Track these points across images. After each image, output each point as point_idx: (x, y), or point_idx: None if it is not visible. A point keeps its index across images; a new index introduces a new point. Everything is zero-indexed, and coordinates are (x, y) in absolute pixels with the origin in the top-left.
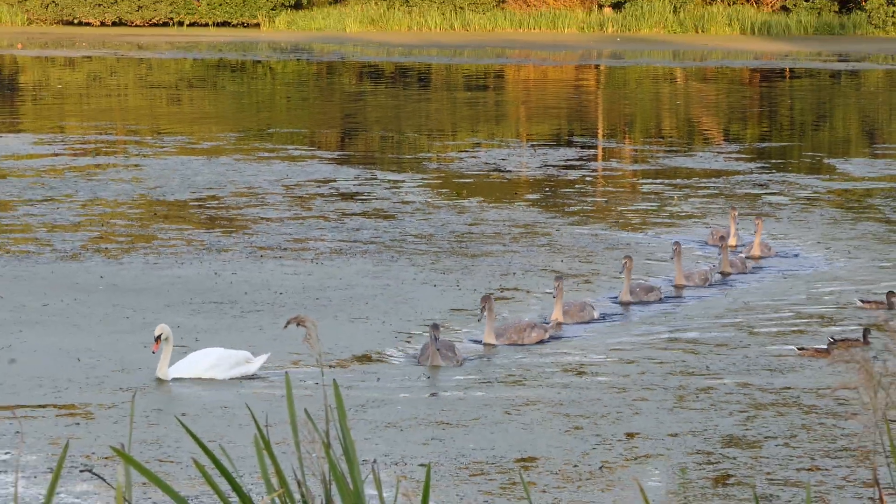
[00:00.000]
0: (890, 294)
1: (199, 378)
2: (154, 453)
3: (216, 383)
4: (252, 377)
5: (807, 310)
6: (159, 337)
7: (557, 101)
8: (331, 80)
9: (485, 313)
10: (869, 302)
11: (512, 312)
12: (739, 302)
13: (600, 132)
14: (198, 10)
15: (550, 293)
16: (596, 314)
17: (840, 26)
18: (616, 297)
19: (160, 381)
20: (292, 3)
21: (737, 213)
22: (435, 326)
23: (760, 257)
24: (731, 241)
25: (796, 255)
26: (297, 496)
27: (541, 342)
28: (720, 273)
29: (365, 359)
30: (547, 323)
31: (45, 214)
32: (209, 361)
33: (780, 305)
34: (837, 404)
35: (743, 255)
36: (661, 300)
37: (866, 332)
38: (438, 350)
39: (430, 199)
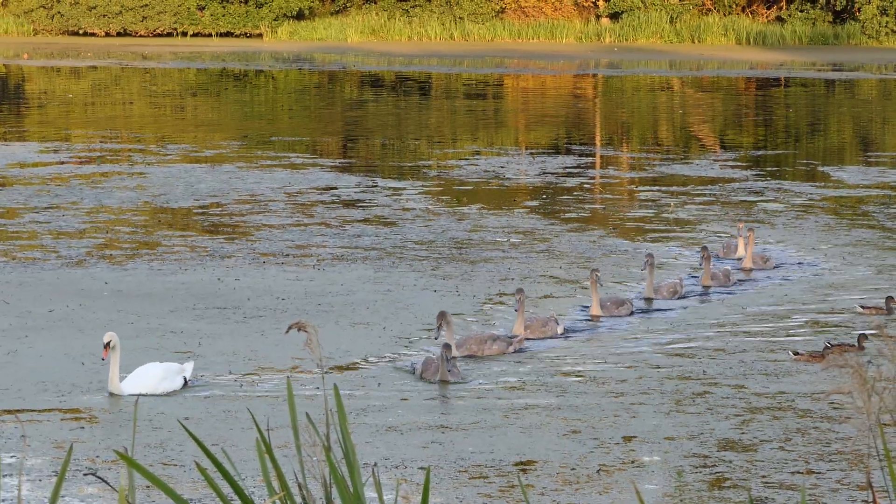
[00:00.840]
0: (889, 299)
1: (153, 394)
2: (157, 457)
3: (219, 387)
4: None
5: (802, 315)
6: (108, 344)
7: (556, 110)
8: (332, 90)
9: (442, 331)
10: (869, 307)
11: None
12: (737, 307)
13: (598, 140)
14: (201, 21)
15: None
16: (560, 329)
17: (834, 36)
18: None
19: (113, 395)
20: (294, 13)
21: (743, 226)
22: (447, 347)
23: (751, 269)
24: (739, 254)
25: (799, 264)
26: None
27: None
28: (703, 286)
29: (366, 363)
30: (511, 337)
31: (51, 221)
32: (158, 375)
33: (776, 310)
34: (832, 408)
35: (728, 268)
36: (631, 314)
37: (862, 337)
38: (450, 371)
39: (430, 206)
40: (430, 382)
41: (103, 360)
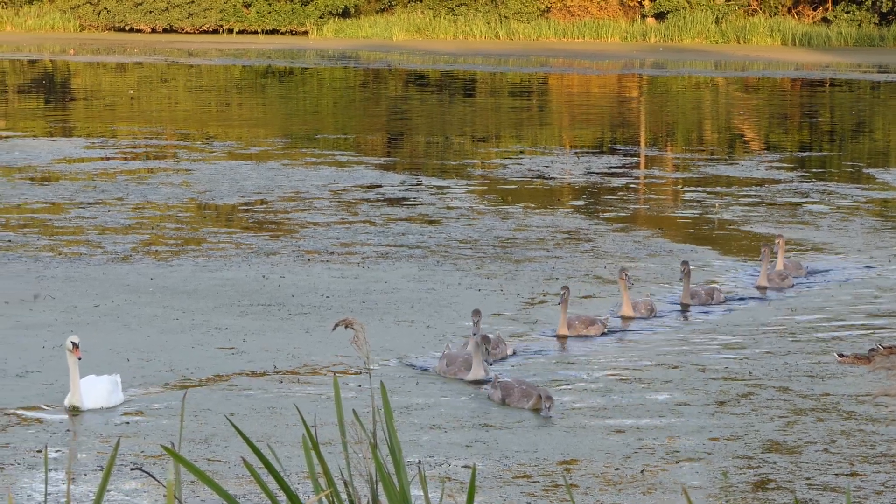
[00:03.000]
0: None
1: (105, 407)
2: (203, 452)
3: (263, 383)
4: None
5: (848, 317)
6: (77, 345)
7: (600, 110)
8: (377, 88)
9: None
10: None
11: (554, 316)
12: (784, 309)
13: (643, 140)
14: (247, 18)
15: (592, 296)
16: (507, 350)
17: (880, 38)
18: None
19: (76, 409)
20: (340, 11)
21: (783, 240)
22: (486, 339)
23: (765, 288)
24: (779, 267)
25: (828, 271)
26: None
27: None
28: (680, 304)
29: (409, 361)
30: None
31: (97, 217)
32: (107, 388)
33: (821, 313)
34: (877, 411)
35: (715, 286)
36: (604, 334)
37: None
38: (486, 361)
39: (474, 205)
40: (457, 379)
41: (79, 359)
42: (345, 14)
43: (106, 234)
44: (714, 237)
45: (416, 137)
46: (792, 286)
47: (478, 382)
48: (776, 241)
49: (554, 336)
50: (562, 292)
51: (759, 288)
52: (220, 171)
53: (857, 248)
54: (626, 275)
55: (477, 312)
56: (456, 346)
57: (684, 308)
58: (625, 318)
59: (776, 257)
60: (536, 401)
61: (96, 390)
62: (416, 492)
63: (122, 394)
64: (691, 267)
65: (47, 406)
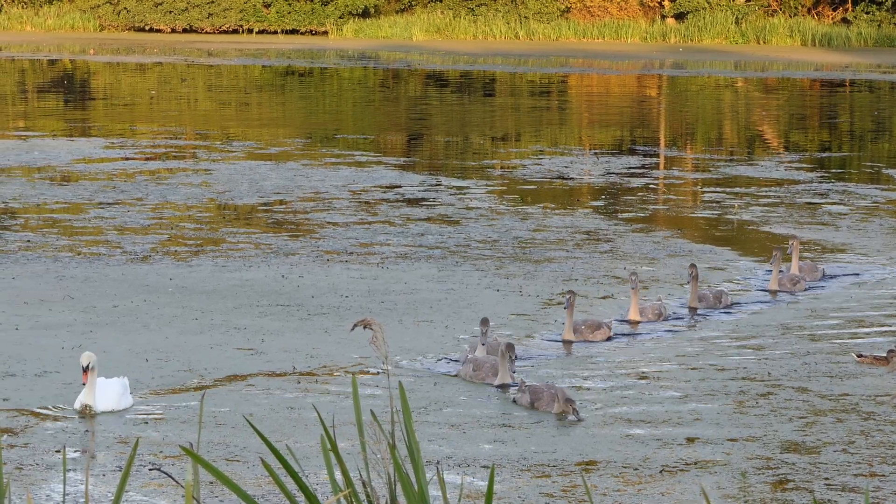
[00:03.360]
0: None
1: (115, 410)
2: (221, 452)
3: (282, 383)
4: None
5: (867, 318)
6: (87, 367)
7: (620, 110)
8: (397, 88)
9: (486, 336)
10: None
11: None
12: (803, 309)
13: (662, 141)
14: (267, 18)
15: (609, 297)
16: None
17: None
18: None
19: (88, 409)
20: (360, 11)
21: (797, 241)
22: (510, 347)
23: (777, 291)
24: (794, 270)
25: (845, 275)
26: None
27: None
28: (688, 307)
29: (428, 361)
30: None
31: (116, 217)
32: (117, 391)
33: (840, 313)
34: None
35: (722, 289)
36: (609, 339)
37: None
38: (514, 372)
39: (494, 206)
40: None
41: (83, 384)
42: (364, 14)
43: (125, 234)
44: (733, 238)
45: (435, 138)
46: (805, 290)
47: (503, 386)
48: (790, 244)
49: (560, 340)
50: (567, 296)
51: (769, 292)
52: (239, 172)
53: (876, 248)
54: (634, 278)
55: (486, 322)
56: (472, 350)
57: (692, 311)
58: (633, 323)
59: (791, 260)
60: (565, 405)
61: (107, 393)
62: (434, 492)
63: (130, 397)
64: (705, 268)
65: (65, 406)
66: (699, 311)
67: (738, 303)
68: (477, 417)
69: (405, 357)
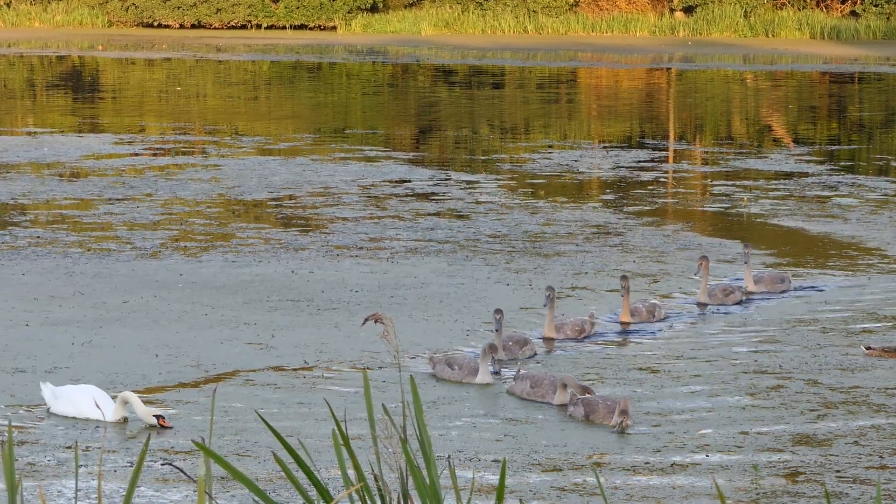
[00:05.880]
0: None
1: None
2: (233, 447)
3: (292, 378)
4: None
5: (877, 311)
6: (160, 417)
7: (629, 104)
8: (406, 82)
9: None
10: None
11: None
12: (813, 303)
13: (671, 134)
14: (275, 13)
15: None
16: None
17: None
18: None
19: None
20: (368, 6)
21: (749, 252)
22: (492, 346)
23: (705, 304)
24: (701, 295)
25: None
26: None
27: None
28: (619, 322)
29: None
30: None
31: (126, 213)
32: (106, 397)
33: (850, 306)
34: None
35: (655, 302)
36: (534, 355)
37: None
38: (496, 373)
39: (503, 200)
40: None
41: (167, 427)
42: (373, 9)
43: (135, 230)
44: (743, 231)
45: (444, 132)
46: (738, 303)
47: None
48: (699, 264)
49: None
50: (547, 293)
51: (699, 304)
52: (248, 167)
53: (886, 240)
54: (625, 282)
55: (499, 311)
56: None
57: (701, 307)
58: (623, 324)
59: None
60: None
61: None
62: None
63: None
64: (715, 261)
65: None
66: (708, 307)
67: (741, 302)
68: (487, 411)
69: (414, 351)
